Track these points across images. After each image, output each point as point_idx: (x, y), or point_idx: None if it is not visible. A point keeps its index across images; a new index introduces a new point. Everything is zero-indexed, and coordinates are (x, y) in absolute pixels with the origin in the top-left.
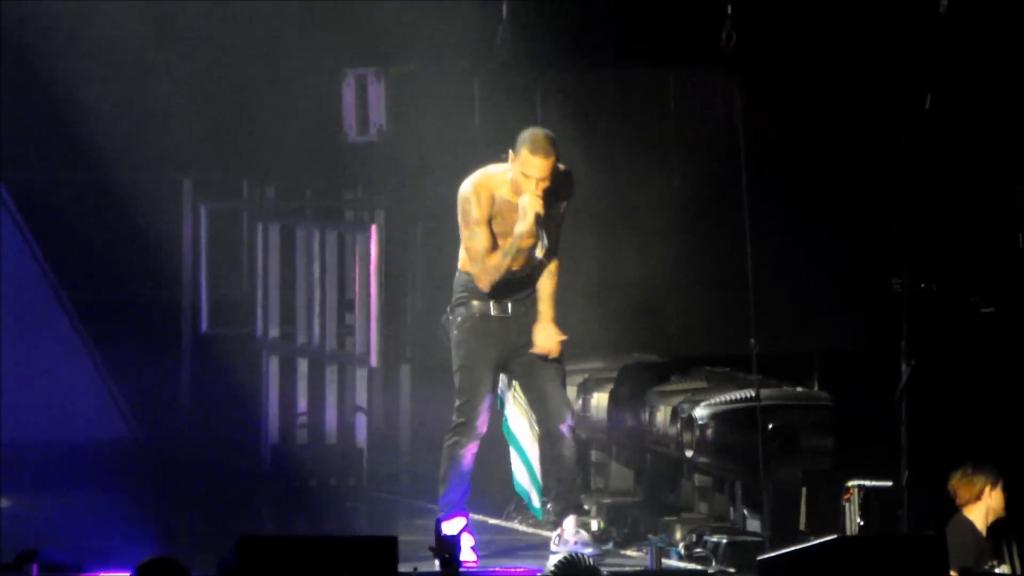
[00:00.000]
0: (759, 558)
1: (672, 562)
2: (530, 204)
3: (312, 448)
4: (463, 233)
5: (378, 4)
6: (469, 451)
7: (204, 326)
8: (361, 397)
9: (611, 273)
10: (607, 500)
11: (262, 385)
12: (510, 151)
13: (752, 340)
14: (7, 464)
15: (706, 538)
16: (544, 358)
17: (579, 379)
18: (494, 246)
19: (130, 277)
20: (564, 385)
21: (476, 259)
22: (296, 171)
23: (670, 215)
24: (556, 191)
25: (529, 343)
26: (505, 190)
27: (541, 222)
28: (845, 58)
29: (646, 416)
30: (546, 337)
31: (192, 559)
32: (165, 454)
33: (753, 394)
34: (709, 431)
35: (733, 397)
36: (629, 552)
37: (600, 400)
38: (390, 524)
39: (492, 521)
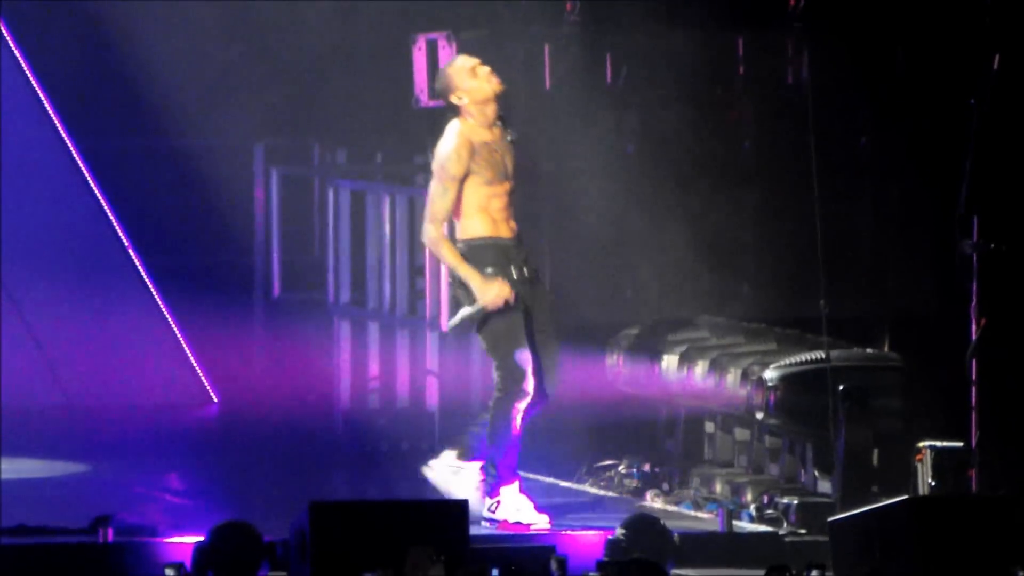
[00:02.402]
0: (830, 519)
1: (743, 524)
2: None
3: (384, 412)
4: (434, 188)
5: None
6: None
7: (276, 290)
8: (432, 361)
9: (679, 235)
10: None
11: (333, 349)
12: (453, 99)
13: (822, 302)
14: (84, 429)
15: (777, 500)
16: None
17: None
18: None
19: (202, 242)
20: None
21: (434, 221)
22: (366, 136)
23: (739, 178)
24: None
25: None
26: (480, 134)
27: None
28: (914, 17)
29: (716, 378)
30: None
31: (265, 523)
32: (237, 418)
33: (823, 356)
34: (779, 392)
35: (803, 359)
36: (700, 514)
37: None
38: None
39: (564, 484)
